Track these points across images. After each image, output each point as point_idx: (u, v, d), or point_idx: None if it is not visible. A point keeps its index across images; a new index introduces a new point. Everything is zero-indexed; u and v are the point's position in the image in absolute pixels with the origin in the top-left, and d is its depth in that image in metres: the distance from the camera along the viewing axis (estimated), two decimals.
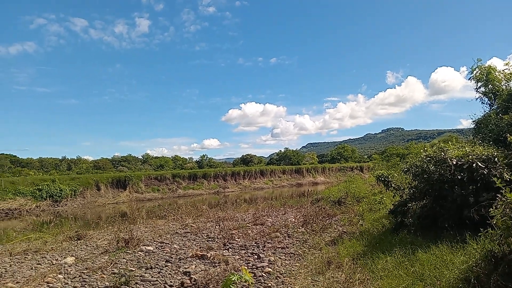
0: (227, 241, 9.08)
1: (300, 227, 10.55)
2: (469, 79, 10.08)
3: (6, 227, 17.69)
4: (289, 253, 7.69)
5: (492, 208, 3.68)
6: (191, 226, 11.81)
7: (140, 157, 69.19)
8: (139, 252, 8.21)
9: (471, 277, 3.82)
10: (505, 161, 5.77)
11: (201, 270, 6.53)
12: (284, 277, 6.02)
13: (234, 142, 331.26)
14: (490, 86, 9.48)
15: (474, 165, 5.76)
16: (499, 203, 3.62)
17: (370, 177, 29.18)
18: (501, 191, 3.68)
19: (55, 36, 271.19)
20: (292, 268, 6.50)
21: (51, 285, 5.97)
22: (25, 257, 8.19)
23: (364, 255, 6.32)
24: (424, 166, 6.74)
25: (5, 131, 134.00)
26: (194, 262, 7.26)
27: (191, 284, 5.83)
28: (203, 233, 10.57)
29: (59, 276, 6.46)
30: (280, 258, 7.30)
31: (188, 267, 6.84)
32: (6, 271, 6.90)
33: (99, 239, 10.17)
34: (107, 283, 5.94)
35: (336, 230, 9.76)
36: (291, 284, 5.58)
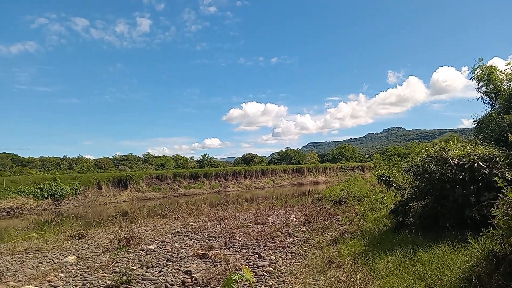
0: (228, 240, 9.10)
1: (301, 227, 10.56)
2: (470, 79, 10.04)
3: (7, 226, 17.75)
4: (290, 252, 7.71)
5: (494, 208, 3.68)
6: (192, 225, 11.84)
7: (141, 157, 69.33)
8: (140, 251, 8.24)
9: (472, 277, 3.82)
10: (506, 161, 5.76)
11: (202, 269, 6.54)
12: (285, 276, 6.03)
13: (235, 142, 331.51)
14: (491, 86, 9.44)
15: (475, 164, 5.75)
16: (500, 203, 3.62)
17: (371, 176, 29.15)
18: (502, 190, 3.67)
19: (56, 36, 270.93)
20: (293, 267, 6.51)
21: (52, 283, 5.99)
22: (27, 256, 8.23)
23: (365, 254, 6.32)
24: (425, 165, 6.72)
25: (7, 130, 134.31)
26: (195, 261, 7.28)
27: (192, 283, 5.85)
28: (204, 232, 10.59)
29: (60, 274, 6.48)
30: (281, 257, 7.31)
31: (189, 266, 6.86)
32: (7, 270, 6.94)
33: (100, 238, 10.21)
34: (108, 282, 5.96)
35: (337, 229, 9.76)
36: (292, 283, 5.58)
